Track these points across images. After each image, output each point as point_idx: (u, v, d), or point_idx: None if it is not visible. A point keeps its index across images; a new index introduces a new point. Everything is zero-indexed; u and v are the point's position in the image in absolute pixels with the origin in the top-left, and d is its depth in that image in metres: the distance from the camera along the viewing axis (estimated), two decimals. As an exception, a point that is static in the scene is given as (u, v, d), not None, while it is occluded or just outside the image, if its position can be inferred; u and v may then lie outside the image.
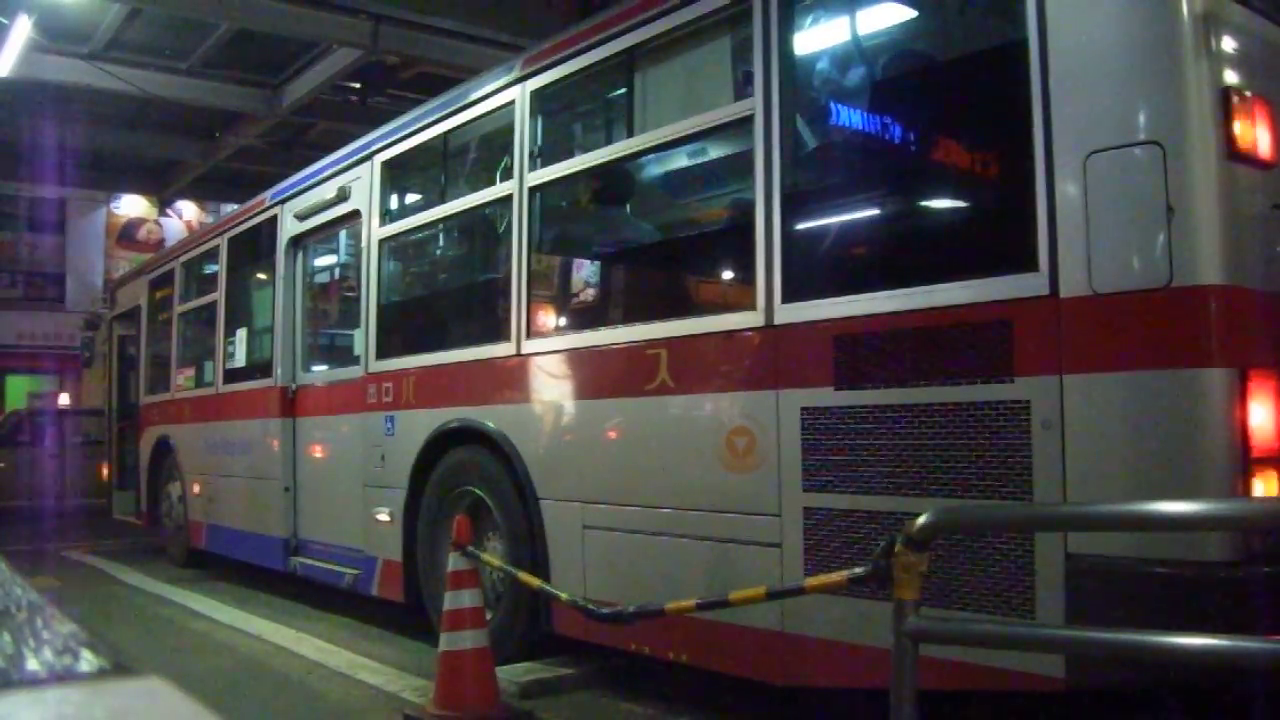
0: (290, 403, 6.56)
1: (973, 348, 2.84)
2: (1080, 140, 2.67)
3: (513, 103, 4.65)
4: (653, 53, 4.07)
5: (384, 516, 5.35)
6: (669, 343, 3.76)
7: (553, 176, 4.53)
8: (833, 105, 3.58)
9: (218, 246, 7.97)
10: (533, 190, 4.52)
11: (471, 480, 4.77)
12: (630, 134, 4.14)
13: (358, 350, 5.82)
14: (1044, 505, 2.65)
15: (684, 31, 3.89)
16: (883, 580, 2.21)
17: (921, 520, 2.12)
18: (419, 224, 5.61)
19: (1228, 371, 2.50)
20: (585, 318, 4.86)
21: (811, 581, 2.62)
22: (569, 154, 4.75)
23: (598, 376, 4.11)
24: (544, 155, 4.57)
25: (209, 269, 8.38)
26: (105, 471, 10.90)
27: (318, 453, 6.33)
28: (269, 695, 4.35)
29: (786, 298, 3.35)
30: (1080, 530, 2.58)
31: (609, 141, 4.61)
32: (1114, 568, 2.58)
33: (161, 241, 20.55)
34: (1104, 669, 2.61)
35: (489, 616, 4.18)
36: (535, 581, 3.81)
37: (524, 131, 4.56)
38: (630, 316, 4.31)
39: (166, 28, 10.90)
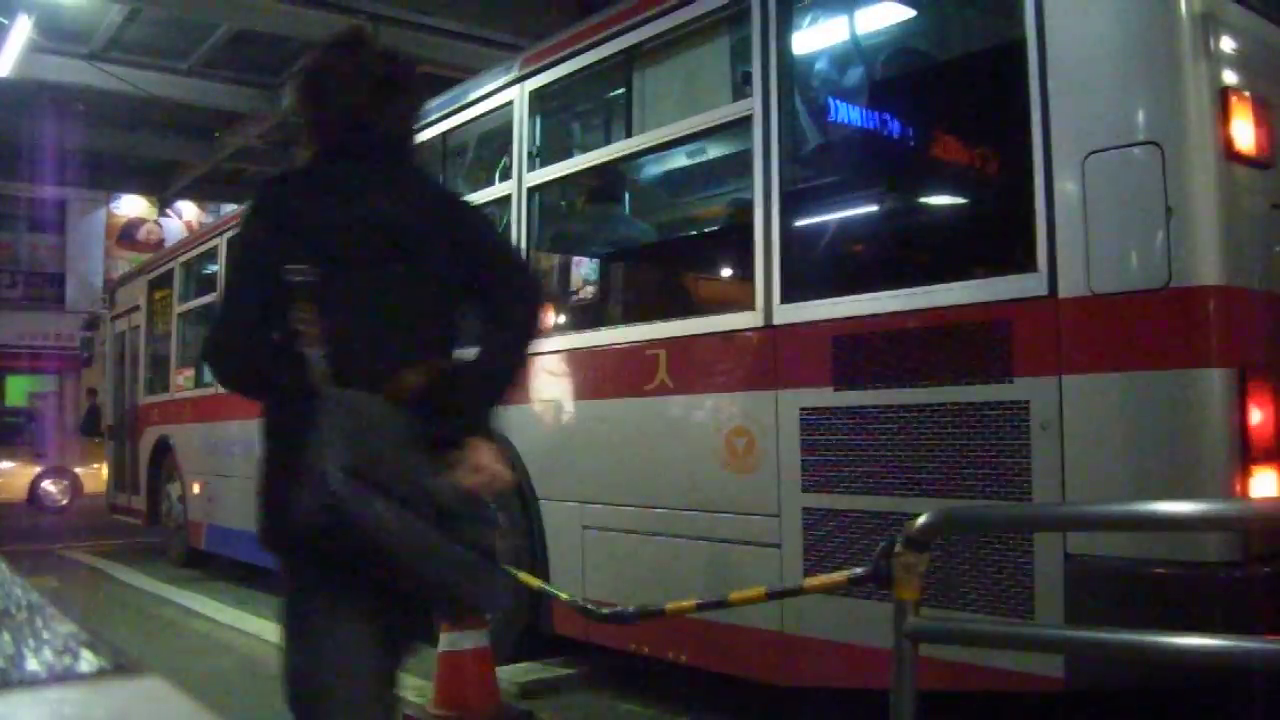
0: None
1: (971, 348, 2.84)
2: (1079, 140, 2.67)
3: (511, 103, 4.65)
4: (651, 53, 4.07)
5: (384, 516, 5.34)
6: (668, 343, 3.77)
7: (551, 177, 4.53)
8: (831, 105, 3.59)
9: (217, 247, 7.96)
10: (531, 190, 4.52)
11: (471, 480, 4.76)
12: (629, 134, 4.15)
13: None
14: (1044, 505, 2.65)
15: (682, 31, 3.90)
16: (883, 580, 2.21)
17: (922, 520, 2.12)
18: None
19: (1226, 372, 2.50)
20: (584, 318, 4.87)
21: (811, 582, 2.63)
22: (568, 154, 4.75)
23: (597, 376, 4.11)
24: (543, 155, 4.57)
25: (208, 269, 8.37)
26: (104, 471, 10.92)
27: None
28: (269, 695, 4.33)
29: (785, 298, 3.35)
30: (1080, 530, 2.58)
31: (608, 142, 4.62)
32: (1113, 568, 2.58)
33: (161, 241, 20.56)
34: (1103, 669, 2.61)
35: (489, 617, 4.18)
36: (536, 582, 3.81)
37: (523, 131, 4.56)
38: (629, 316, 4.32)
39: (166, 28, 10.91)
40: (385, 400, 1.75)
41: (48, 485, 14.59)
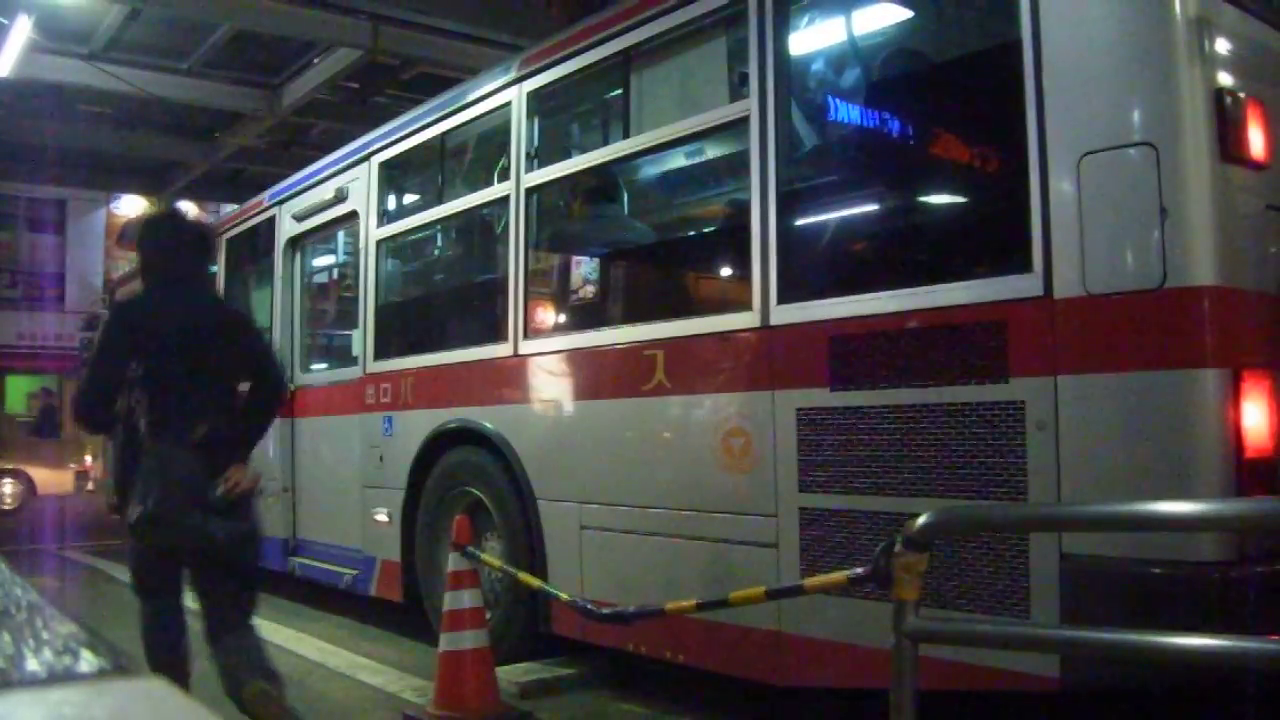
0: (289, 403, 6.56)
1: (967, 349, 2.85)
2: (1074, 141, 2.68)
3: (509, 103, 4.66)
4: (649, 54, 4.08)
5: (382, 517, 5.36)
6: (666, 343, 3.78)
7: (550, 177, 4.54)
8: (828, 106, 3.59)
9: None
10: (530, 191, 4.53)
11: (470, 481, 4.78)
12: (627, 135, 4.15)
13: (356, 351, 5.83)
14: (1044, 506, 2.66)
15: (680, 33, 3.90)
16: (883, 580, 2.22)
17: (922, 520, 2.13)
18: (417, 225, 5.62)
19: (1221, 372, 2.51)
20: (582, 318, 4.87)
21: (811, 581, 2.63)
22: (566, 155, 4.76)
23: (595, 377, 4.12)
24: (541, 156, 4.58)
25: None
26: (105, 471, 10.93)
27: (316, 453, 6.33)
28: (268, 695, 4.35)
29: (782, 298, 3.36)
30: (1079, 530, 2.59)
31: (606, 142, 4.63)
32: (1109, 568, 2.59)
33: (161, 242, 20.51)
34: (1099, 669, 2.62)
35: (488, 616, 4.19)
36: (535, 582, 3.82)
37: (521, 132, 4.57)
38: (627, 317, 4.33)
39: (166, 28, 10.89)
40: (184, 447, 3.07)
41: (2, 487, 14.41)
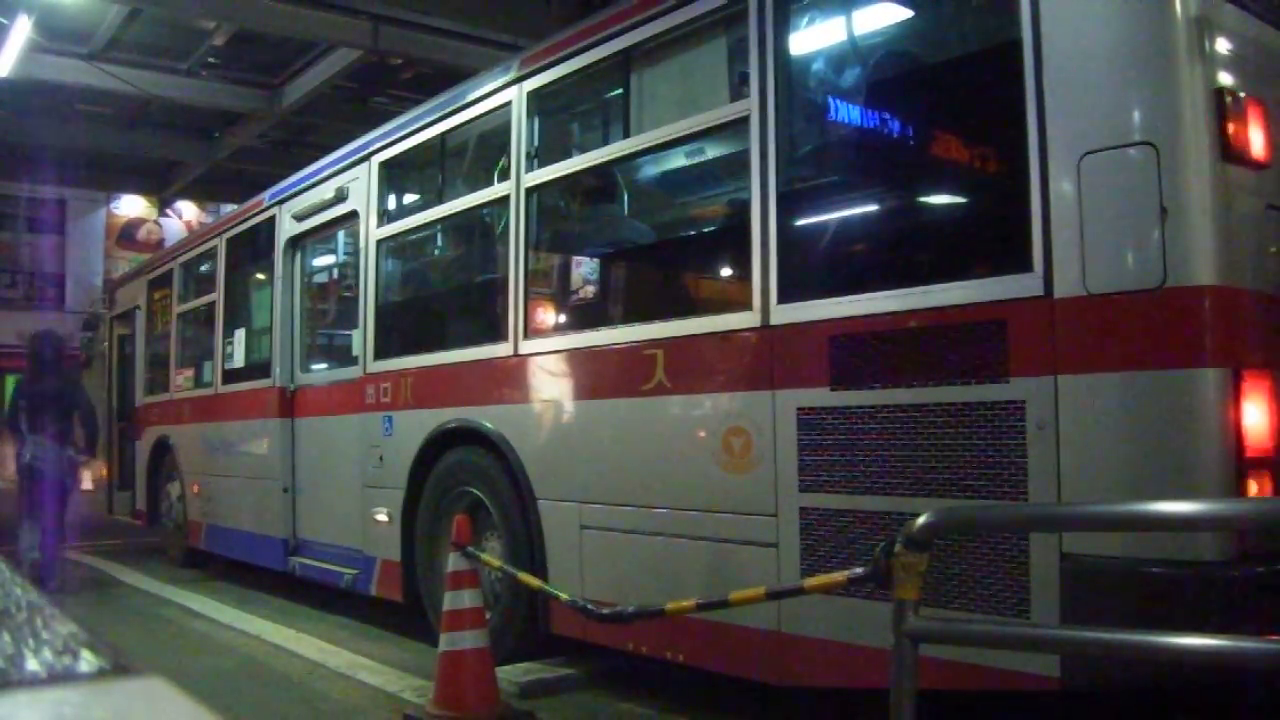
0: (289, 403, 6.57)
1: (967, 348, 2.85)
2: (1074, 141, 2.68)
3: (509, 103, 4.66)
4: (649, 53, 4.08)
5: (382, 517, 5.36)
6: (666, 343, 3.77)
7: (550, 177, 4.54)
8: (828, 106, 3.59)
9: (216, 247, 7.97)
10: (530, 191, 4.53)
11: (470, 480, 4.78)
12: (627, 135, 4.15)
13: (356, 350, 5.83)
14: (1043, 505, 2.66)
15: (680, 32, 3.90)
16: (883, 580, 2.22)
17: (922, 520, 2.13)
18: (417, 224, 5.62)
19: (1221, 371, 2.51)
20: (582, 318, 4.87)
21: (811, 582, 2.63)
22: (566, 154, 4.76)
23: (595, 377, 4.11)
24: (541, 156, 4.58)
25: (207, 269, 8.39)
26: (106, 471, 10.93)
27: (316, 453, 6.33)
28: (269, 695, 4.36)
29: (782, 298, 3.36)
30: (1080, 530, 2.59)
31: (606, 142, 4.62)
32: (1109, 568, 2.59)
33: (161, 241, 20.52)
34: (1099, 669, 2.62)
35: (488, 616, 4.19)
36: (535, 582, 3.82)
37: (521, 132, 4.57)
38: (627, 317, 4.33)
39: (166, 28, 10.90)
40: (44, 436, 7.18)
41: None
